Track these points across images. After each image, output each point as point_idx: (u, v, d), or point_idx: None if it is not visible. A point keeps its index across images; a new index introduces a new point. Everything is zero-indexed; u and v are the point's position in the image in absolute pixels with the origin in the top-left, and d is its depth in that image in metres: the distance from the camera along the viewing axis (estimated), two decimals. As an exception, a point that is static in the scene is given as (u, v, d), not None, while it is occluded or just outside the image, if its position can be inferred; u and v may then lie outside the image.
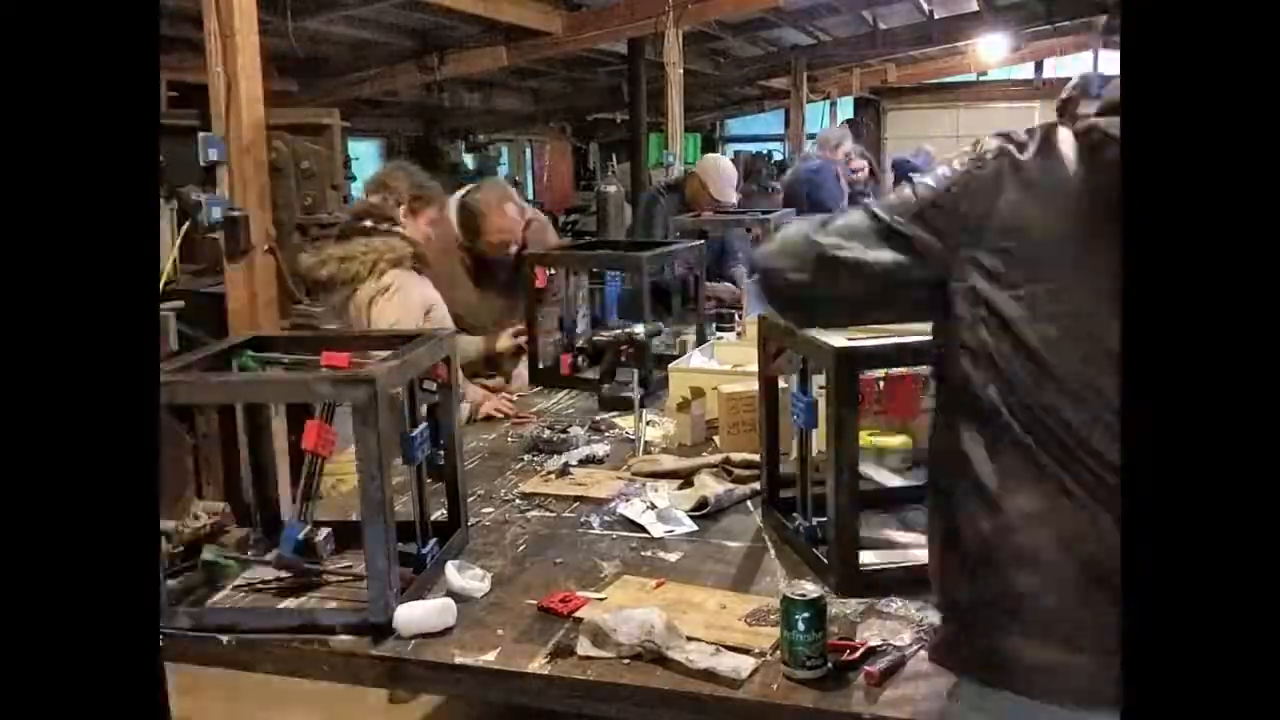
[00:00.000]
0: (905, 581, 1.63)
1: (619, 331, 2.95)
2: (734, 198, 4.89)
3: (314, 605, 1.64)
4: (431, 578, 1.70)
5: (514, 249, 3.35)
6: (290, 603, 1.65)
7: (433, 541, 1.76)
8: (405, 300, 2.72)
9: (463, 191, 3.44)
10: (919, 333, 2.06)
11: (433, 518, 1.82)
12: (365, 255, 2.73)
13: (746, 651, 1.44)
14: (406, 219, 2.92)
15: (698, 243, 3.59)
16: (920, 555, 1.76)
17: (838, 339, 1.65)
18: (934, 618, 1.50)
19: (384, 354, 1.71)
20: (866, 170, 5.98)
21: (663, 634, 1.45)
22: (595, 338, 3.08)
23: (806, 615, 1.39)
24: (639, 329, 2.89)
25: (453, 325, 2.76)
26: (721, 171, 4.87)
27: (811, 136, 12.37)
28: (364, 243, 2.76)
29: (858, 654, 1.41)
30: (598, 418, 2.76)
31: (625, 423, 2.65)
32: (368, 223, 2.82)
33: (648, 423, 2.55)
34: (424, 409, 1.79)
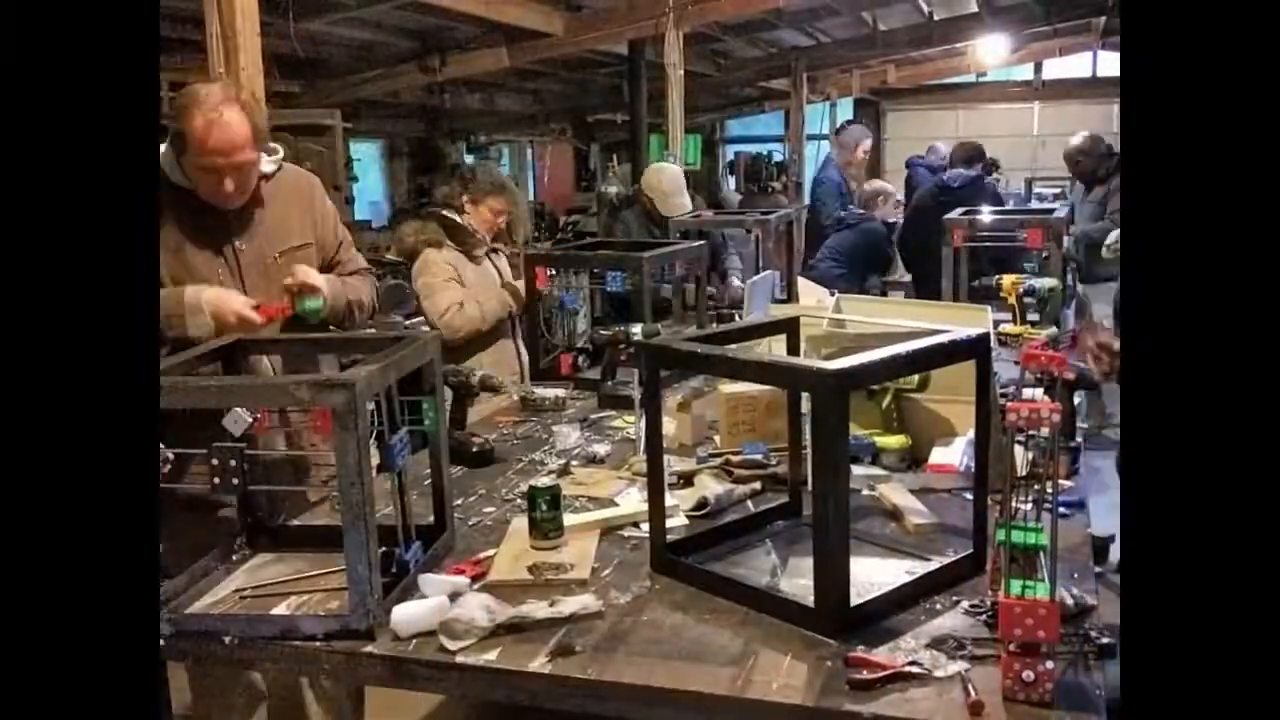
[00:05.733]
0: (898, 605, 1.59)
1: (617, 331, 2.97)
2: (686, 205, 4.55)
3: (298, 612, 1.64)
4: (415, 582, 1.69)
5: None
6: (281, 609, 1.65)
7: (416, 545, 1.75)
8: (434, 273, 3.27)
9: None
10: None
11: (423, 522, 1.83)
12: (408, 236, 3.37)
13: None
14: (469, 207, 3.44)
15: (699, 244, 3.58)
16: (922, 565, 1.76)
17: (831, 362, 1.54)
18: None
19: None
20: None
21: (500, 606, 1.56)
22: (594, 337, 3.10)
23: (548, 498, 1.82)
24: (636, 329, 2.91)
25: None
26: (665, 183, 4.56)
27: (812, 137, 12.39)
28: (410, 225, 3.40)
29: (879, 675, 1.38)
30: (593, 416, 2.78)
31: (623, 421, 2.67)
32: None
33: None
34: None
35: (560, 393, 2.89)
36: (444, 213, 3.43)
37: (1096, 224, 5.19)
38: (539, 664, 1.46)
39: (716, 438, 2.46)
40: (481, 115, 10.71)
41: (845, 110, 13.26)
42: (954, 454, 2.21)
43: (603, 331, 3.05)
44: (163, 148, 2.27)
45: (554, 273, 3.25)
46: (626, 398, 2.69)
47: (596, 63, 9.30)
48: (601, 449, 2.47)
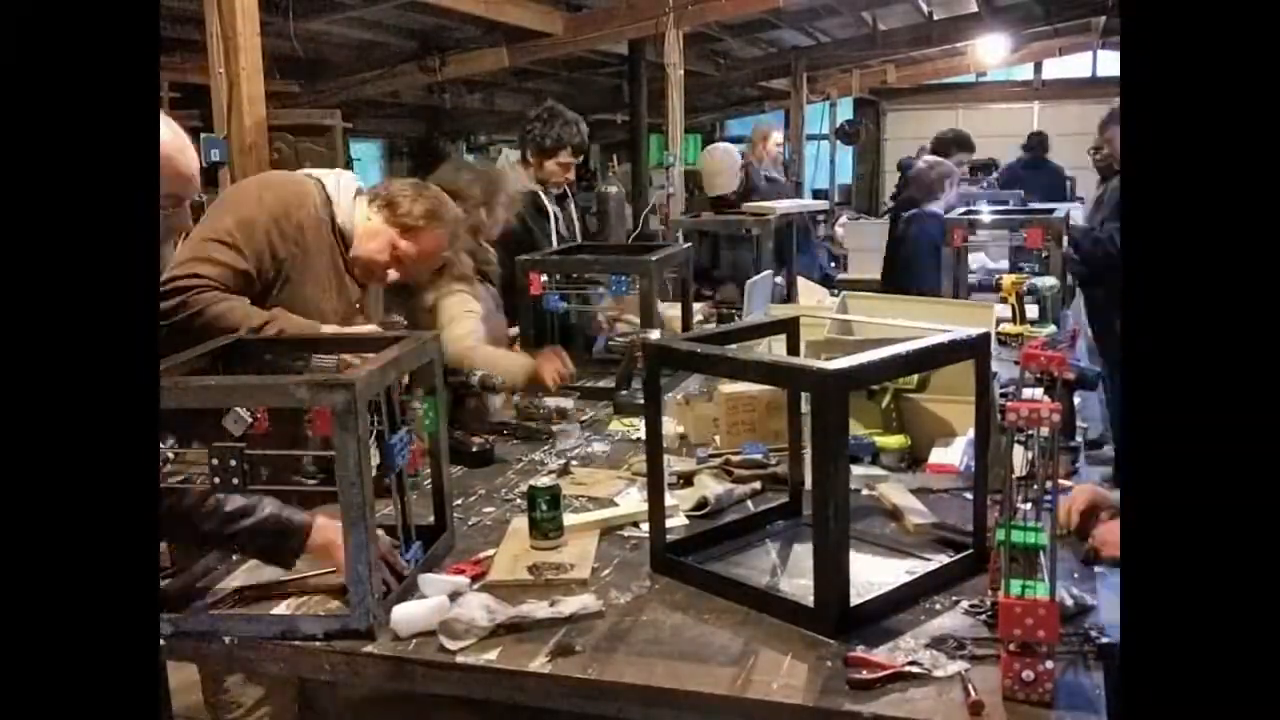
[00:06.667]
0: (898, 605, 1.58)
1: (635, 338, 2.88)
2: (727, 185, 4.93)
3: (298, 612, 1.64)
4: (415, 582, 1.69)
5: None
6: (281, 609, 1.65)
7: (416, 545, 1.75)
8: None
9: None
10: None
11: (423, 522, 1.83)
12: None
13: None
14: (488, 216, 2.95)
15: (685, 246, 3.50)
16: (922, 565, 1.76)
17: (831, 362, 1.54)
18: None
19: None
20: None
21: (500, 605, 1.57)
22: (611, 343, 3.04)
23: (548, 498, 1.83)
24: (654, 335, 2.85)
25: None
26: (710, 163, 4.92)
27: (812, 137, 12.38)
28: None
29: (879, 675, 1.38)
30: (585, 417, 2.78)
31: (620, 425, 2.67)
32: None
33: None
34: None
35: (564, 403, 2.81)
36: None
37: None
38: (539, 664, 1.46)
39: (717, 438, 2.46)
40: (481, 115, 10.72)
41: (845, 110, 13.28)
42: (954, 454, 2.21)
43: (620, 338, 2.98)
44: (351, 196, 2.21)
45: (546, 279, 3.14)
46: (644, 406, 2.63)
47: (596, 63, 9.32)
48: (601, 449, 2.47)
